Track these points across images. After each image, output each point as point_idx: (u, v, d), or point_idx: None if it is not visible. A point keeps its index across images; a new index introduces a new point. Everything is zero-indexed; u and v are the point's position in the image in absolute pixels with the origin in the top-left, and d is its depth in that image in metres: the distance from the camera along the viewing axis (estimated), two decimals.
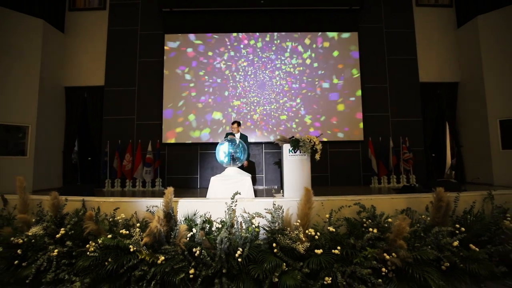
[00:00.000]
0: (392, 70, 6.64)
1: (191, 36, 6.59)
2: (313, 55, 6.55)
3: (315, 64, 6.52)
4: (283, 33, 6.61)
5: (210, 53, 6.53)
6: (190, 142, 6.39)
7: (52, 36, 6.33)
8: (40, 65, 5.97)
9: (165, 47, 6.57)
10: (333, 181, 6.34)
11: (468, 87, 6.50)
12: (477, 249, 2.26)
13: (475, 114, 6.26)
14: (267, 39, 6.59)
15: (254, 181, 6.29)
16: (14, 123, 5.63)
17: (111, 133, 6.40)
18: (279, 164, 6.06)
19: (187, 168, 6.45)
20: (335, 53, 6.56)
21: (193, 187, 6.34)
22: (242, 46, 6.56)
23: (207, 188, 3.80)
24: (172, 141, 6.39)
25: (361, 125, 6.43)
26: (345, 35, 6.64)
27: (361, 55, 6.60)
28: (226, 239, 2.23)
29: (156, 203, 2.64)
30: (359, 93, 6.49)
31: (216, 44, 6.56)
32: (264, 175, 6.44)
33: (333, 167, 6.40)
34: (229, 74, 6.48)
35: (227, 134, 4.72)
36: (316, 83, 6.49)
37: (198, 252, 2.21)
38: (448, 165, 7.16)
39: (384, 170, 6.16)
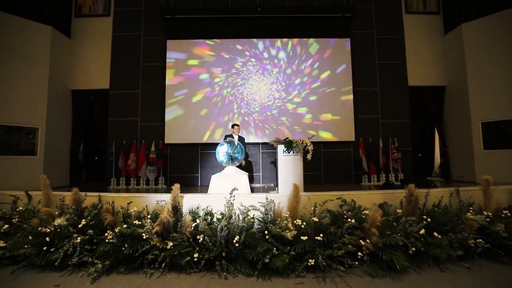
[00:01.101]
0: (383, 75, 7.02)
1: (192, 42, 6.95)
2: (307, 60, 6.92)
3: (309, 69, 6.89)
4: (279, 39, 6.97)
5: (210, 58, 6.89)
6: (191, 142, 6.76)
7: (60, 42, 6.67)
8: (49, 70, 6.31)
9: (167, 52, 6.92)
10: (326, 180, 6.72)
11: (453, 91, 6.89)
12: (439, 236, 2.65)
13: (459, 117, 6.65)
14: (265, 44, 6.95)
15: (252, 179, 6.68)
16: (25, 125, 5.97)
17: (116, 134, 6.75)
18: (274, 163, 6.42)
19: (188, 167, 6.82)
20: (329, 58, 6.93)
21: (194, 185, 6.70)
22: (240, 51, 6.92)
23: (207, 186, 4.17)
24: (174, 141, 6.76)
25: (353, 126, 6.82)
26: (338, 41, 7.01)
27: (353, 60, 6.98)
28: (225, 227, 2.61)
29: (164, 198, 3.01)
30: (351, 96, 6.87)
31: (216, 49, 6.92)
32: (261, 174, 6.81)
33: (326, 166, 6.78)
34: (229, 78, 6.85)
35: (226, 136, 5.09)
36: (311, 86, 6.86)
37: (201, 238, 2.59)
38: (437, 165, 7.55)
39: (374, 169, 6.54)
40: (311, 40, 6.98)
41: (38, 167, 6.05)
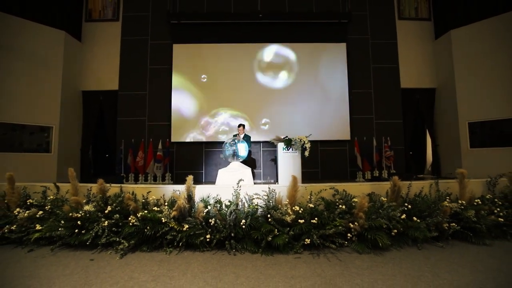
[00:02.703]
0: (376, 77, 7.45)
1: (197, 46, 7.35)
2: (306, 63, 7.34)
3: (308, 71, 7.32)
4: (279, 43, 7.39)
5: (213, 61, 7.30)
6: (196, 141, 7.17)
7: (71, 45, 7.06)
8: (62, 72, 6.70)
9: (173, 55, 7.33)
10: (323, 176, 7.15)
11: (443, 93, 7.33)
12: (418, 220, 3.08)
13: (448, 117, 7.08)
14: (265, 48, 7.36)
15: (253, 175, 7.06)
16: (40, 124, 6.37)
17: (125, 133, 7.15)
18: (275, 160, 6.83)
19: (193, 164, 7.22)
20: (326, 62, 7.36)
21: (199, 181, 7.09)
22: (242, 54, 7.33)
23: (211, 182, 4.58)
24: (180, 140, 7.17)
25: (349, 126, 7.24)
26: (335, 45, 7.43)
27: (349, 64, 7.41)
28: (233, 212, 3.03)
29: (179, 188, 3.42)
30: (347, 97, 7.30)
31: (219, 52, 7.33)
32: (261, 170, 7.23)
33: (323, 164, 7.21)
34: (231, 80, 7.26)
35: (234, 136, 5.49)
36: (309, 88, 7.28)
37: (213, 222, 3.01)
38: (429, 163, 7.97)
39: (368, 166, 6.97)
40: (310, 44, 7.40)
41: (52, 164, 6.46)
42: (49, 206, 3.35)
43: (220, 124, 7.19)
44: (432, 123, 7.57)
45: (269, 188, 3.31)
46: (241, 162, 4.82)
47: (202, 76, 7.27)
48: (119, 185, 3.59)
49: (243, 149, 4.74)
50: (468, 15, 6.83)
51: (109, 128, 7.41)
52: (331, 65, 7.37)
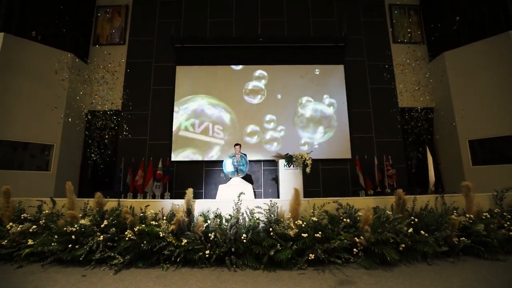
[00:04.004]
0: (375, 97, 7.59)
1: (200, 68, 7.60)
2: (305, 84, 7.53)
3: (307, 92, 7.48)
4: (280, 66, 7.64)
5: (215, 82, 7.50)
6: (196, 160, 7.14)
7: (78, 67, 7.29)
8: (67, 92, 6.85)
9: (176, 77, 7.54)
10: (325, 195, 6.99)
11: (441, 112, 7.42)
12: (426, 234, 2.95)
13: (448, 135, 7.10)
14: (265, 70, 7.60)
15: (254, 194, 6.93)
16: (42, 142, 6.38)
17: (125, 152, 7.13)
18: (276, 179, 6.75)
19: (193, 183, 7.04)
20: (325, 83, 7.55)
21: None
22: (243, 76, 7.55)
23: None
24: (181, 159, 7.13)
25: (349, 144, 7.25)
26: (333, 67, 7.68)
27: (347, 84, 7.59)
28: (234, 226, 2.92)
29: (178, 203, 3.34)
30: (346, 117, 7.39)
31: (221, 74, 7.56)
32: (262, 190, 7.10)
33: (324, 182, 7.10)
34: (232, 101, 7.40)
35: (231, 156, 5.48)
36: (309, 108, 7.40)
37: (212, 236, 2.89)
38: (432, 183, 7.84)
39: (370, 184, 6.86)
40: (308, 66, 7.65)
41: (51, 182, 6.38)
42: (43, 221, 3.24)
43: (222, 142, 7.20)
44: (432, 141, 7.59)
45: (271, 201, 3.23)
46: (241, 178, 4.75)
47: (203, 96, 7.42)
48: (117, 199, 3.50)
49: (243, 165, 4.69)
50: (458, 39, 7.13)
51: (110, 147, 7.40)
52: (330, 86, 7.55)
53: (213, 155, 7.11)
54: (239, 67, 7.62)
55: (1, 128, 5.85)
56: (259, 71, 7.60)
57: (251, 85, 7.51)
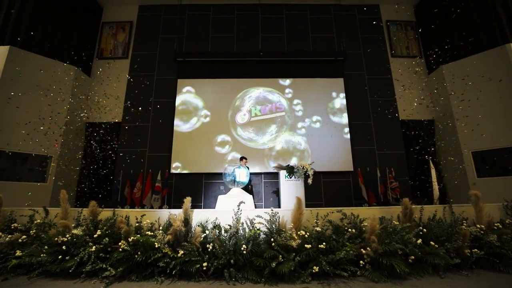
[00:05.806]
0: (375, 110, 7.59)
1: (201, 81, 7.67)
2: (305, 97, 7.56)
3: (307, 105, 7.50)
4: (280, 79, 7.71)
5: (216, 95, 7.54)
6: (196, 172, 7.02)
7: (81, 80, 7.36)
8: (69, 105, 6.87)
9: (177, 90, 7.60)
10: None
11: (442, 124, 7.39)
12: (436, 245, 2.80)
13: (451, 147, 7.02)
14: (266, 84, 7.66)
15: (254, 206, 6.76)
16: (40, 153, 6.30)
17: (124, 164, 7.04)
18: (277, 192, 6.59)
19: (192, 196, 6.84)
20: (325, 96, 7.59)
21: None
22: (244, 89, 7.60)
23: None
24: (180, 171, 7.02)
25: (351, 157, 7.15)
26: (333, 80, 7.75)
27: (347, 97, 7.62)
28: (234, 236, 2.77)
29: (175, 212, 3.20)
30: (347, 129, 7.35)
31: (222, 87, 7.62)
32: (263, 203, 6.92)
33: (326, 195, 6.94)
34: (233, 114, 7.40)
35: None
36: (310, 121, 7.38)
37: (211, 247, 2.73)
38: (437, 196, 7.65)
39: (374, 198, 6.69)
40: (308, 80, 7.72)
41: (47, 194, 6.24)
42: (34, 231, 3.10)
43: (223, 155, 7.12)
44: (435, 153, 7.49)
45: (272, 210, 3.09)
46: (241, 188, 4.62)
47: (204, 109, 7.43)
48: (112, 209, 3.37)
49: (244, 175, 4.59)
50: (455, 53, 7.25)
51: (109, 159, 7.31)
52: (330, 99, 7.58)
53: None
54: (240, 80, 7.68)
55: (1, 139, 5.80)
56: (260, 85, 7.65)
57: (251, 98, 7.53)
